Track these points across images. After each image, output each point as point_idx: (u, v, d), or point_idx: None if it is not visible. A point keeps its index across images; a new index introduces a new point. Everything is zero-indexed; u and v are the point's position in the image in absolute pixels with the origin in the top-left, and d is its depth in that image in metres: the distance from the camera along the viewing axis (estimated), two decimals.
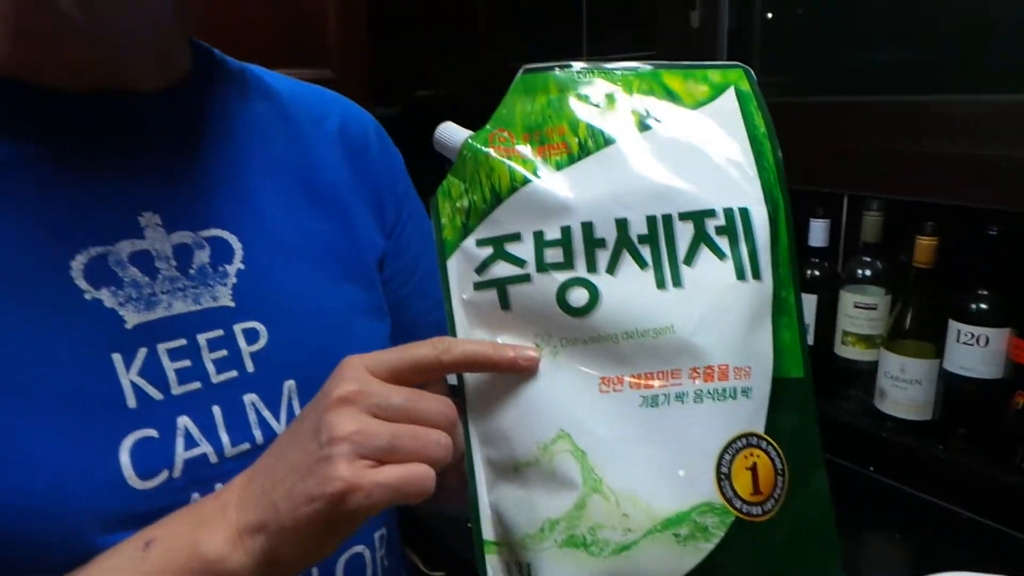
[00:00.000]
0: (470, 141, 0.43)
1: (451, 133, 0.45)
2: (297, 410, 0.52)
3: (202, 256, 0.50)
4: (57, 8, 0.43)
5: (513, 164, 0.42)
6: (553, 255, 0.41)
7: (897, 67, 1.20)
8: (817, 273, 1.19)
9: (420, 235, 0.67)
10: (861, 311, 1.12)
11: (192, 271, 0.50)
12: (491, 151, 0.43)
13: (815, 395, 0.44)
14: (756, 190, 0.43)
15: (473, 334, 0.43)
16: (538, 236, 0.41)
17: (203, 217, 0.51)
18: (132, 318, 0.46)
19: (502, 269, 0.42)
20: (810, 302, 1.19)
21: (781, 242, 0.44)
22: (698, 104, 0.44)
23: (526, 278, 0.41)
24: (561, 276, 0.41)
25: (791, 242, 0.44)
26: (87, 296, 0.45)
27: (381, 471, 0.38)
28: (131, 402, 0.45)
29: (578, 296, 0.41)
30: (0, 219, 0.44)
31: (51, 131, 0.46)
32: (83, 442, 0.43)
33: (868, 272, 1.13)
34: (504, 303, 0.42)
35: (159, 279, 0.48)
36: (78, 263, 0.45)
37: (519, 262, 0.41)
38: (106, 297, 0.46)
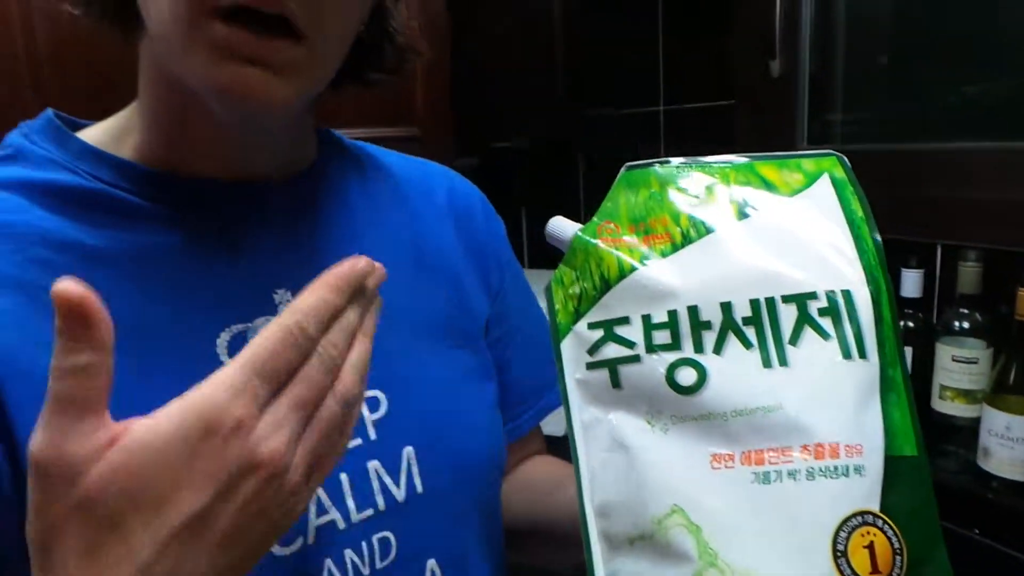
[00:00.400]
0: (580, 234, 0.47)
1: (562, 226, 0.48)
2: (416, 475, 0.54)
3: None
4: (207, 112, 0.47)
5: (620, 253, 0.45)
6: (661, 337, 0.43)
7: (992, 112, 1.17)
8: (911, 324, 1.15)
9: (520, 299, 0.70)
10: (960, 365, 1.08)
11: None
12: (599, 242, 0.46)
13: (930, 473, 0.44)
14: (858, 273, 0.44)
15: (587, 411, 0.45)
16: (646, 319, 0.44)
17: None
18: None
19: (613, 350, 0.44)
20: (905, 354, 1.15)
21: (885, 322, 0.44)
22: (794, 192, 0.46)
23: (636, 359, 0.43)
24: (669, 356, 0.43)
25: (895, 322, 0.45)
26: None
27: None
28: None
29: (686, 375, 0.42)
30: (156, 296, 0.47)
31: (201, 216, 0.50)
32: None
33: (966, 324, 1.09)
34: (615, 382, 0.44)
35: None
36: (223, 340, 0.49)
37: (629, 344, 0.44)
38: None
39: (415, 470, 0.54)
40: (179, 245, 0.49)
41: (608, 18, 1.75)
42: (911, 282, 1.14)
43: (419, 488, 0.54)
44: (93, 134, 0.52)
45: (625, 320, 0.44)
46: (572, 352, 0.45)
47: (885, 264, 0.45)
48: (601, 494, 0.44)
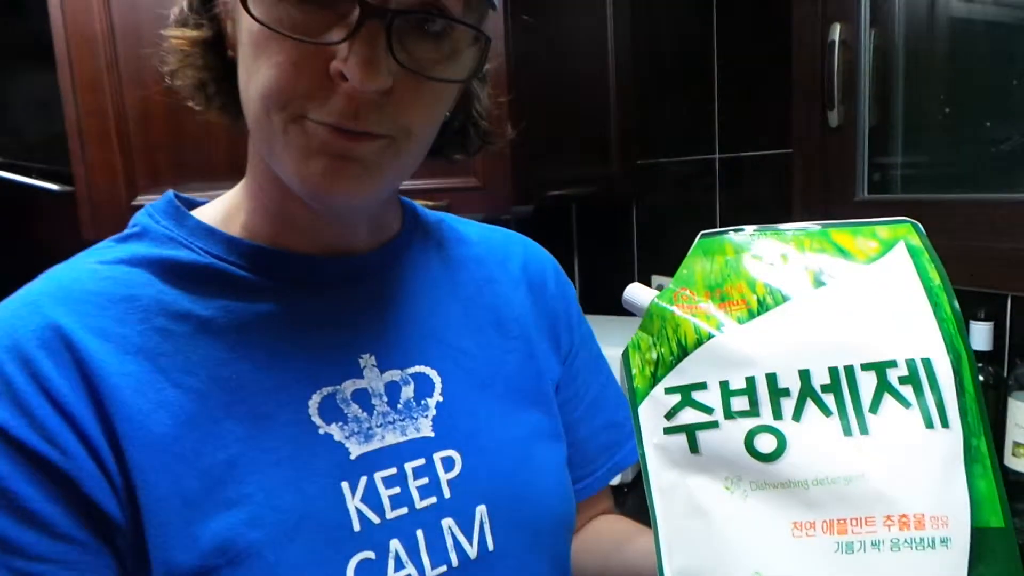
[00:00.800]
0: (656, 301, 0.47)
1: (638, 293, 0.49)
2: (488, 533, 0.56)
3: (408, 391, 0.56)
4: (305, 203, 0.52)
5: (697, 320, 0.45)
6: (739, 403, 0.43)
7: None
8: (981, 378, 1.12)
9: (589, 362, 0.71)
10: None
11: (400, 405, 0.56)
12: (676, 309, 0.46)
13: (1018, 545, 0.43)
14: (937, 341, 0.44)
15: (664, 476, 0.45)
16: (724, 385, 0.44)
17: (409, 356, 0.58)
18: (355, 450, 0.52)
19: (690, 416, 0.44)
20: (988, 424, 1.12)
21: (968, 391, 0.44)
22: (870, 260, 0.46)
23: (714, 424, 0.44)
24: (748, 423, 0.43)
25: (978, 392, 0.44)
26: (321, 431, 0.52)
27: None
28: (356, 526, 0.50)
29: (766, 442, 0.42)
30: (257, 362, 0.51)
31: (297, 288, 0.55)
32: (319, 564, 0.48)
33: None
34: (693, 447, 0.44)
35: (374, 414, 0.54)
36: (314, 401, 0.52)
37: (707, 409, 0.44)
38: (335, 432, 0.52)
39: (487, 528, 0.56)
40: (278, 314, 0.53)
41: (663, 68, 1.78)
42: (981, 335, 1.12)
43: (491, 546, 0.55)
44: (207, 212, 0.57)
45: (703, 386, 0.44)
46: (650, 417, 0.46)
47: (965, 333, 0.45)
48: (680, 559, 0.44)
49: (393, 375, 0.56)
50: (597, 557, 0.67)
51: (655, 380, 0.46)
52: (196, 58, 0.53)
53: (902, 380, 0.43)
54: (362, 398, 0.54)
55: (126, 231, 0.55)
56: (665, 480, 0.45)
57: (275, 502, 0.48)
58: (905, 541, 0.40)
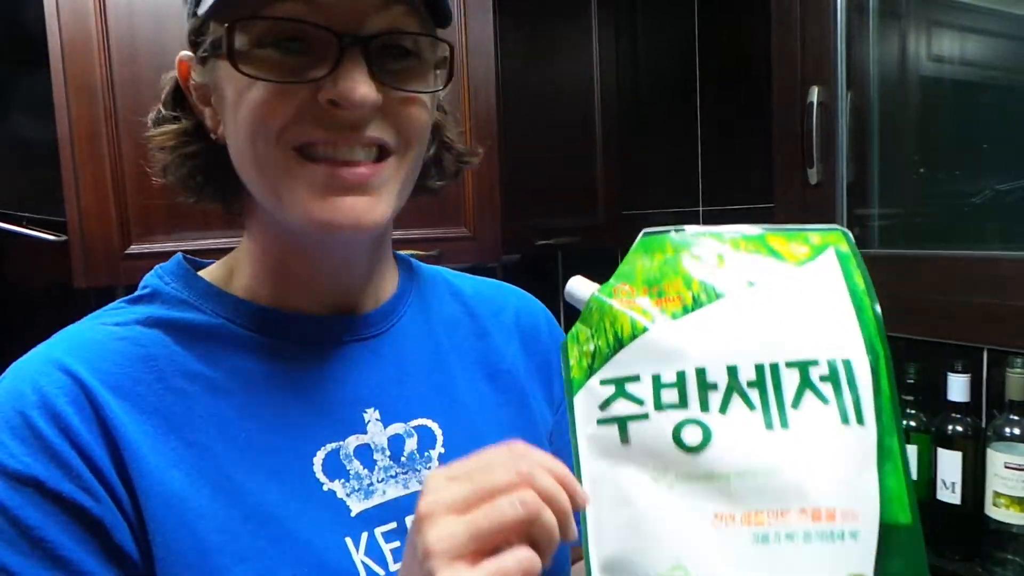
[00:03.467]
0: (596, 294, 0.49)
1: (581, 286, 0.51)
2: None
3: (411, 444, 0.58)
4: (305, 258, 0.56)
5: (634, 314, 0.47)
6: (669, 396, 0.45)
7: None
8: (959, 429, 1.15)
9: None
10: (1013, 472, 1.07)
11: (403, 458, 0.57)
12: (614, 302, 0.48)
13: (924, 541, 0.44)
14: (858, 342, 0.46)
15: (595, 465, 0.46)
16: (655, 378, 0.46)
17: (411, 408, 0.59)
18: (355, 507, 0.54)
19: (623, 407, 0.46)
20: (954, 459, 1.14)
21: (883, 391, 0.46)
22: (800, 263, 0.48)
23: (644, 416, 0.45)
24: (677, 415, 0.45)
25: (893, 392, 0.46)
26: (324, 488, 0.53)
27: (475, 568, 0.39)
28: None
29: (692, 434, 0.44)
30: (264, 420, 0.53)
31: (301, 346, 0.57)
32: None
33: (1017, 431, 1.08)
34: (624, 438, 0.45)
35: (376, 469, 0.56)
36: (318, 458, 0.54)
37: (638, 401, 0.46)
38: (338, 488, 0.54)
39: None
40: (284, 373, 0.55)
41: (648, 122, 1.83)
42: (958, 387, 1.14)
43: None
44: (213, 273, 0.59)
45: (636, 378, 0.46)
46: (584, 407, 0.47)
47: (885, 336, 0.47)
48: (607, 548, 0.45)
49: (397, 428, 0.58)
50: None
51: (591, 371, 0.47)
52: (184, 147, 0.56)
53: (823, 378, 0.45)
54: (364, 454, 0.56)
55: (137, 292, 0.57)
56: (595, 470, 0.46)
57: (286, 556, 0.50)
58: (817, 533, 0.42)
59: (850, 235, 0.50)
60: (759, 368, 0.45)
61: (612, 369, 0.47)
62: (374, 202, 0.51)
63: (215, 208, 0.60)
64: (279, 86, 0.48)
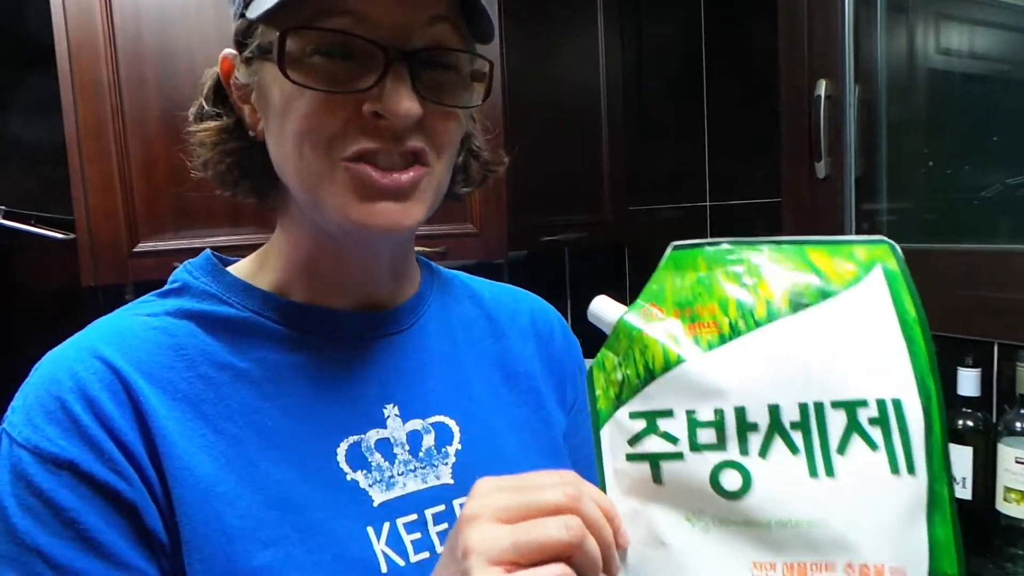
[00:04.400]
0: (624, 318, 0.45)
1: (605, 307, 0.47)
2: None
3: (428, 440, 0.59)
4: (334, 255, 0.57)
5: (667, 342, 0.44)
6: (706, 436, 0.42)
7: None
8: (970, 424, 1.14)
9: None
10: None
11: (421, 453, 0.58)
12: (645, 328, 0.44)
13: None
14: (908, 379, 0.43)
15: (625, 502, 0.44)
16: (691, 415, 0.43)
17: (430, 406, 0.60)
18: (377, 497, 0.55)
19: (655, 444, 0.43)
20: (964, 454, 1.14)
21: (934, 433, 0.42)
22: (846, 284, 0.44)
23: (679, 456, 0.42)
24: (714, 457, 0.42)
25: (944, 433, 0.43)
26: (348, 478, 0.54)
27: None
28: (383, 567, 0.53)
29: (731, 479, 0.41)
30: (290, 410, 0.54)
31: (327, 340, 0.58)
32: None
33: None
34: (657, 478, 0.43)
35: (396, 463, 0.57)
36: (341, 449, 0.55)
37: (672, 439, 0.43)
38: (360, 479, 0.55)
39: None
40: (309, 365, 0.57)
41: (654, 117, 1.82)
42: (969, 382, 1.14)
43: None
44: (240, 269, 0.60)
45: (669, 413, 0.43)
46: (612, 440, 0.44)
47: (937, 370, 0.43)
48: None
49: (415, 424, 0.59)
50: None
51: (619, 402, 0.44)
52: (224, 144, 0.57)
53: (871, 421, 0.42)
54: (384, 447, 0.57)
55: (166, 287, 0.59)
56: (626, 507, 0.44)
57: (309, 543, 0.51)
58: None
59: (898, 249, 0.45)
60: (803, 408, 0.42)
61: (642, 402, 0.44)
62: (409, 207, 0.52)
63: (249, 203, 0.61)
64: (325, 96, 0.49)
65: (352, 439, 0.56)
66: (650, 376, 0.44)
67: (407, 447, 0.58)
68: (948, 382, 1.17)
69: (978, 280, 1.14)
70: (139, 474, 0.49)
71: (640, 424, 0.44)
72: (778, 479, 0.41)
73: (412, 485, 0.56)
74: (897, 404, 0.42)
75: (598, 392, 0.45)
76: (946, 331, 1.17)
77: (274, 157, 0.55)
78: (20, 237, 1.37)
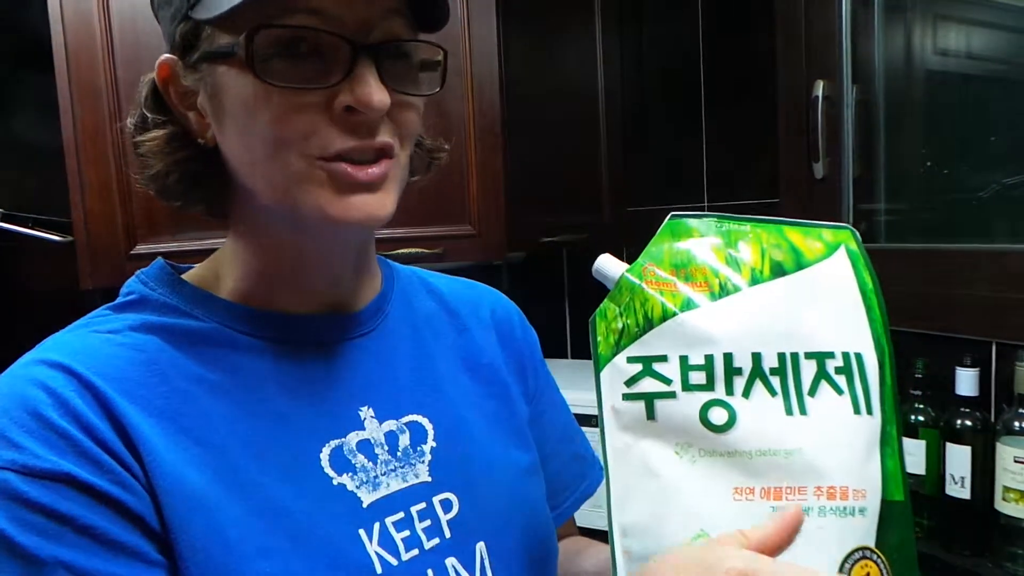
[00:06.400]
0: (627, 274, 0.52)
1: (609, 264, 0.54)
2: (488, 568, 0.60)
3: (404, 440, 0.60)
4: (299, 259, 0.57)
5: (664, 299, 0.50)
6: (697, 378, 0.49)
7: None
8: (968, 423, 1.14)
9: (552, 400, 0.77)
10: (1023, 466, 1.06)
11: (399, 453, 0.60)
12: (645, 285, 0.51)
13: (913, 516, 0.50)
14: (867, 338, 0.51)
15: (620, 437, 0.50)
16: (683, 360, 0.49)
17: (402, 405, 0.62)
18: (366, 498, 0.56)
19: (650, 385, 0.49)
20: (963, 453, 1.14)
21: (886, 384, 0.50)
22: (817, 259, 0.52)
23: (672, 395, 0.49)
24: (704, 396, 0.48)
25: (894, 384, 0.51)
26: (334, 482, 0.55)
27: None
28: (378, 568, 0.54)
29: (718, 415, 0.48)
30: (267, 419, 0.54)
31: (296, 346, 0.58)
32: None
33: None
34: (650, 414, 0.49)
35: (378, 463, 0.58)
36: (324, 454, 0.56)
37: (666, 380, 0.49)
38: (347, 482, 0.56)
39: (487, 563, 0.60)
40: (281, 373, 0.57)
41: (652, 117, 1.82)
42: (967, 381, 1.14)
43: None
44: (196, 277, 0.60)
45: (663, 358, 0.49)
46: (610, 382, 0.51)
47: (889, 332, 0.51)
48: (630, 514, 0.49)
49: (390, 425, 0.60)
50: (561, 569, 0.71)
51: (618, 348, 0.51)
52: (175, 153, 0.56)
53: (837, 370, 0.49)
54: (366, 448, 0.58)
55: (121, 299, 0.57)
56: (620, 441, 0.50)
57: (303, 551, 0.51)
58: (831, 509, 0.47)
59: (857, 234, 0.54)
60: (781, 357, 0.49)
61: (640, 348, 0.50)
62: (383, 198, 0.53)
63: (198, 212, 0.60)
64: (294, 95, 0.50)
65: (334, 443, 0.56)
66: (649, 325, 0.50)
67: (386, 447, 0.59)
68: (947, 382, 1.17)
69: (976, 280, 1.14)
70: (137, 484, 0.48)
71: (637, 367, 0.50)
72: (759, 416, 0.48)
73: (395, 484, 0.58)
74: (858, 357, 0.50)
75: (599, 339, 0.51)
76: (944, 331, 1.18)
77: (235, 162, 0.54)
78: (18, 240, 1.37)
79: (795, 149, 1.37)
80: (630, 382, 0.49)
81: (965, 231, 1.28)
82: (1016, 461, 1.07)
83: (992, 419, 1.16)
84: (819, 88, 1.31)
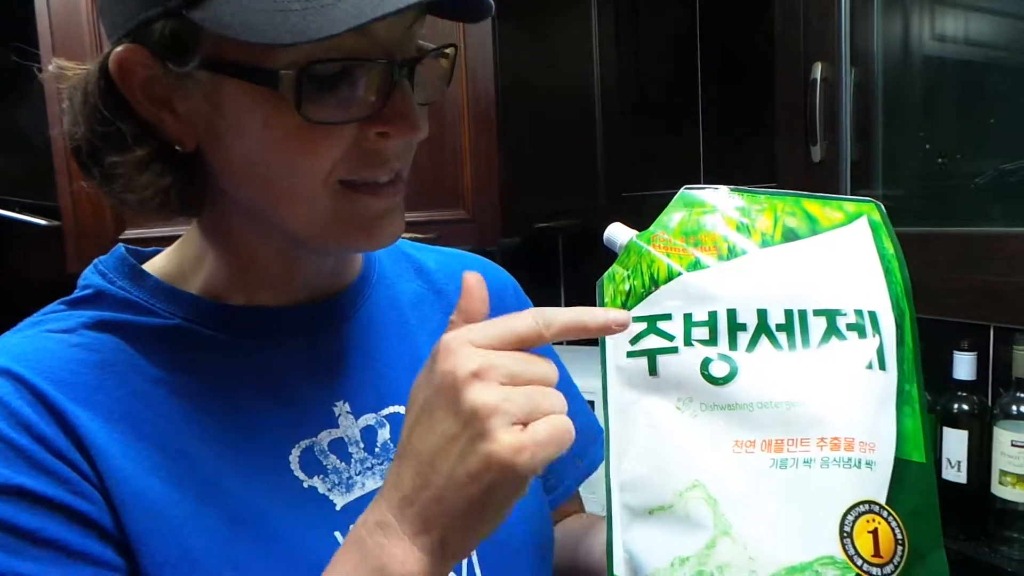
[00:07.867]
0: (635, 239, 0.52)
1: (619, 231, 0.54)
2: (476, 565, 0.57)
3: (384, 434, 0.58)
4: (274, 254, 0.54)
5: (671, 260, 0.50)
6: (699, 333, 0.48)
7: None
8: (965, 407, 1.14)
9: None
10: (1020, 450, 1.07)
11: (377, 449, 0.57)
12: (652, 248, 0.51)
13: (936, 482, 0.48)
14: (884, 299, 0.49)
15: (623, 394, 0.50)
16: (687, 317, 0.49)
17: (382, 397, 0.59)
18: (339, 501, 0.54)
19: (653, 342, 0.49)
20: (960, 437, 1.14)
21: (906, 344, 0.49)
22: (834, 226, 0.51)
23: (674, 350, 0.48)
24: (705, 351, 0.48)
25: (916, 347, 0.49)
26: (305, 485, 0.53)
27: (535, 430, 0.40)
28: None
29: (719, 368, 0.47)
30: (235, 419, 0.52)
31: (267, 342, 0.55)
32: None
33: None
34: (652, 370, 0.49)
35: (352, 462, 0.56)
36: (294, 456, 0.53)
37: (669, 337, 0.49)
38: (319, 484, 0.53)
39: (475, 560, 0.57)
40: (250, 370, 0.54)
41: (648, 102, 1.81)
42: (965, 365, 1.15)
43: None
44: (161, 267, 0.56)
45: (667, 316, 0.49)
46: (615, 341, 0.50)
47: (912, 298, 0.50)
48: (628, 470, 0.49)
49: (368, 419, 0.57)
50: (562, 548, 0.69)
51: (625, 309, 0.50)
52: (163, 176, 0.50)
53: (849, 327, 0.48)
54: (339, 448, 0.55)
55: (77, 293, 0.54)
56: (623, 399, 0.50)
57: (277, 558, 0.49)
58: (835, 460, 0.46)
59: (883, 207, 0.53)
60: (788, 313, 0.48)
61: (645, 307, 0.49)
62: (400, 219, 0.53)
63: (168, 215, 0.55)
64: (331, 130, 0.46)
65: (304, 444, 0.53)
66: (655, 286, 0.50)
67: (362, 444, 0.56)
68: (944, 366, 1.17)
69: (974, 264, 1.14)
70: (95, 491, 0.46)
71: (641, 326, 0.49)
72: (761, 369, 0.47)
73: (371, 484, 0.55)
74: (872, 314, 0.48)
75: (607, 300, 0.51)
76: (942, 315, 1.17)
77: (240, 183, 0.50)
78: (5, 224, 1.35)
79: (793, 132, 1.36)
80: (634, 340, 0.49)
81: (963, 216, 1.27)
82: (1013, 445, 1.08)
83: (989, 403, 1.16)
84: (817, 70, 1.30)
